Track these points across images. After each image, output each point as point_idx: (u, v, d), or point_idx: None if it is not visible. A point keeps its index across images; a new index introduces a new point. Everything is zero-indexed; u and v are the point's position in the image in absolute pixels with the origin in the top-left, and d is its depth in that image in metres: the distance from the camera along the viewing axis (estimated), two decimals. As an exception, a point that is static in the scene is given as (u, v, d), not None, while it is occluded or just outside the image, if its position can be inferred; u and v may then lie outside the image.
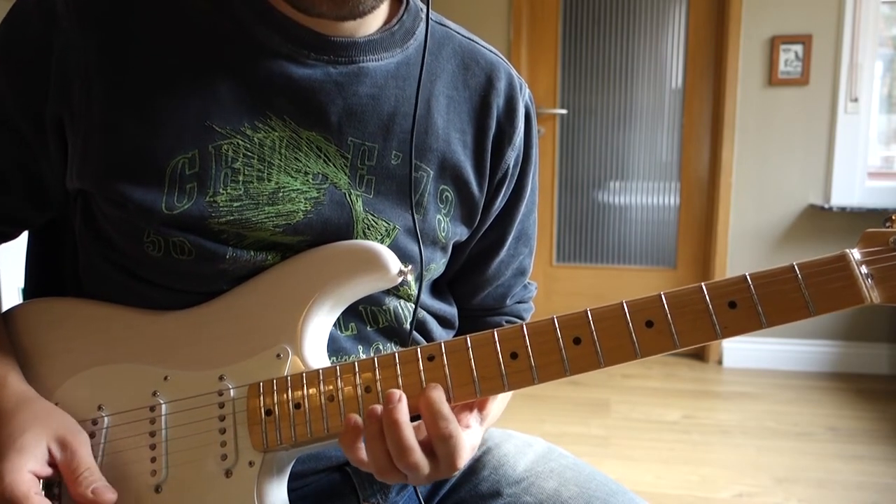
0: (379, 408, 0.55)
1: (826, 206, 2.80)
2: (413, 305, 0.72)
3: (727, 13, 2.90)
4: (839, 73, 2.83)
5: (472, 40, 0.75)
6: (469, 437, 0.57)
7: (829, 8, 2.82)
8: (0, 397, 0.61)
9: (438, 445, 0.55)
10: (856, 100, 2.84)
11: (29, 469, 0.56)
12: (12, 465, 0.55)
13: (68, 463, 0.58)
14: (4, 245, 0.74)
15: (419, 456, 0.55)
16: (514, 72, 0.76)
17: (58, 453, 0.58)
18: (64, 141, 0.63)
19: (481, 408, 0.60)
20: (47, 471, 0.58)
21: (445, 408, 0.56)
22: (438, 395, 0.56)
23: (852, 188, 2.89)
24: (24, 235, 0.76)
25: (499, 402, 0.69)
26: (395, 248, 0.66)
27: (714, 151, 3.04)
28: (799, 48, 2.84)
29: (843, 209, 2.76)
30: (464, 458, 0.56)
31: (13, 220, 0.70)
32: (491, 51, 0.76)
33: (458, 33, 0.74)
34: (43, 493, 0.57)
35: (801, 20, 2.84)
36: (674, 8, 3.03)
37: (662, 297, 0.55)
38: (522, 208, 0.78)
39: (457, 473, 0.58)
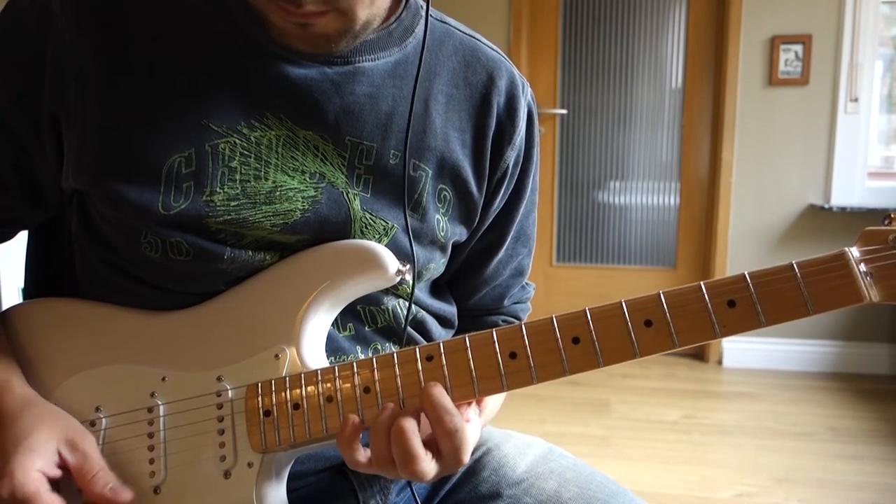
0: (386, 414, 0.55)
1: (826, 206, 2.80)
2: (414, 306, 0.72)
3: (727, 13, 2.90)
4: (839, 73, 2.83)
5: (474, 37, 0.74)
6: (471, 430, 0.57)
7: (829, 8, 2.82)
8: (5, 400, 0.62)
9: (444, 441, 0.55)
10: (856, 100, 2.84)
11: (38, 468, 0.56)
12: (22, 463, 0.56)
13: (81, 465, 0.58)
14: (4, 245, 0.74)
15: (426, 464, 0.55)
16: (515, 70, 0.75)
17: (69, 455, 0.59)
18: (60, 141, 0.63)
19: (479, 401, 0.60)
20: (56, 472, 0.58)
21: (449, 402, 0.56)
22: (440, 391, 0.56)
23: (852, 188, 2.89)
24: (24, 235, 0.76)
25: (496, 396, 0.69)
26: (394, 247, 0.66)
27: (714, 151, 3.04)
28: (799, 48, 2.84)
29: (843, 209, 2.76)
30: (469, 453, 0.56)
31: (9, 220, 0.70)
32: (493, 48, 0.75)
33: (459, 30, 0.74)
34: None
35: (801, 20, 2.84)
36: (674, 8, 3.03)
37: (661, 296, 0.55)
38: (522, 208, 0.78)
39: (460, 470, 0.58)
